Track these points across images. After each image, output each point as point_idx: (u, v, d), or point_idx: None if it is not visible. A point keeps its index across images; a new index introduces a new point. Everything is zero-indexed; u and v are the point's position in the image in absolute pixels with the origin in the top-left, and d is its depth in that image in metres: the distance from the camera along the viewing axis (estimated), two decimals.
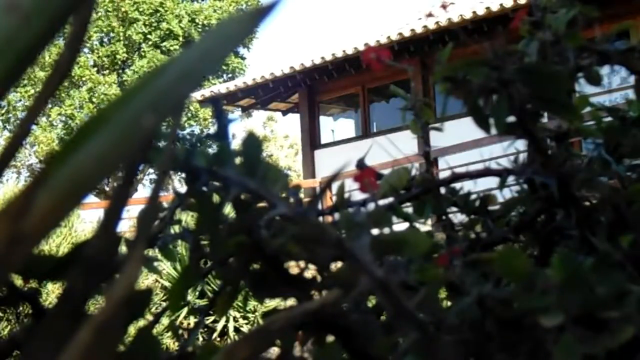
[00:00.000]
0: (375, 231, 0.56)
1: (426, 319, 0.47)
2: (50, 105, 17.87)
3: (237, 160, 0.55)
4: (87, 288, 0.34)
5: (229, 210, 0.59)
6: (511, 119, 0.63)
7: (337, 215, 0.60)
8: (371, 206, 0.79)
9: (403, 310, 0.46)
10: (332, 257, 0.52)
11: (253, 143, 0.56)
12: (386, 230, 0.56)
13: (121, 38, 19.15)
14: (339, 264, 0.56)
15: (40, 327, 0.35)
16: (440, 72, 0.62)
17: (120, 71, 19.54)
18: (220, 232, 0.56)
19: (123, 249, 0.56)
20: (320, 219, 0.70)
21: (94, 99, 18.15)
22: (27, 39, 0.30)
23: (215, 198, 0.57)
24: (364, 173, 0.62)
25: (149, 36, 19.18)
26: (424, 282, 0.55)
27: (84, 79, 18.40)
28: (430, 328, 0.47)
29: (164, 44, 19.20)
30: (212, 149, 0.58)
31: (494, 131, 0.64)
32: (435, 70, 0.63)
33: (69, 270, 0.48)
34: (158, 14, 19.14)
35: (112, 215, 0.33)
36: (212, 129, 0.61)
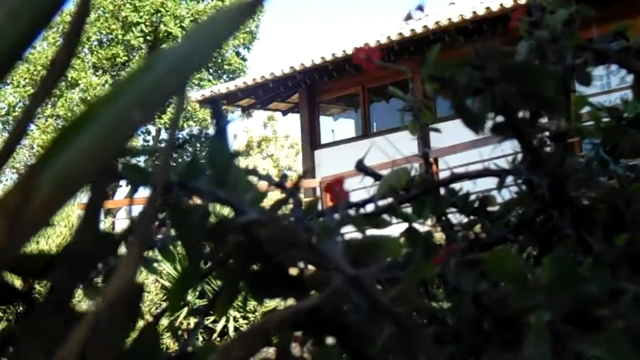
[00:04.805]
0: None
1: (403, 312, 0.48)
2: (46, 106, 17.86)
3: (208, 170, 0.56)
4: (70, 284, 0.34)
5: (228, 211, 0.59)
6: (500, 118, 0.63)
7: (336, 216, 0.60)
8: (370, 207, 0.79)
9: (378, 305, 0.47)
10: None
11: (222, 152, 0.56)
12: (360, 234, 0.57)
13: (121, 41, 19.14)
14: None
15: (27, 323, 0.35)
16: (426, 71, 0.63)
17: (119, 71, 19.51)
18: (196, 241, 0.57)
19: (122, 249, 0.56)
20: (320, 219, 0.70)
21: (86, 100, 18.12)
22: (13, 35, 0.30)
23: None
24: (333, 183, 0.62)
25: (148, 37, 19.15)
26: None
27: (78, 81, 18.39)
28: (407, 321, 0.47)
29: (164, 45, 19.09)
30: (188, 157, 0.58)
31: (488, 131, 0.64)
32: (423, 70, 0.63)
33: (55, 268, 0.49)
34: (159, 14, 19.12)
35: (91, 212, 0.33)
36: (211, 129, 0.61)
